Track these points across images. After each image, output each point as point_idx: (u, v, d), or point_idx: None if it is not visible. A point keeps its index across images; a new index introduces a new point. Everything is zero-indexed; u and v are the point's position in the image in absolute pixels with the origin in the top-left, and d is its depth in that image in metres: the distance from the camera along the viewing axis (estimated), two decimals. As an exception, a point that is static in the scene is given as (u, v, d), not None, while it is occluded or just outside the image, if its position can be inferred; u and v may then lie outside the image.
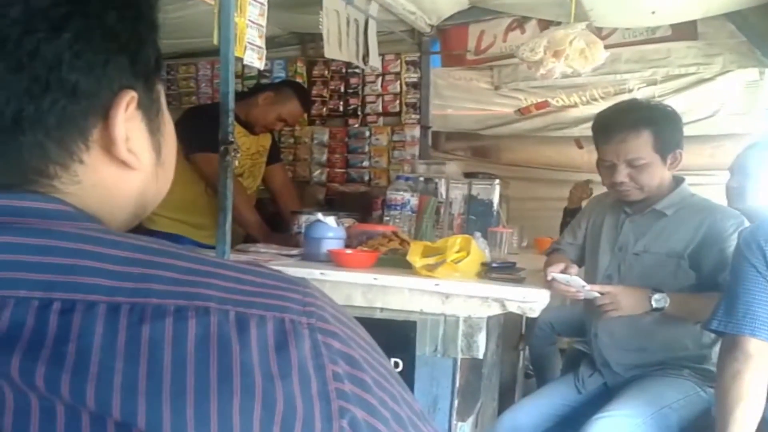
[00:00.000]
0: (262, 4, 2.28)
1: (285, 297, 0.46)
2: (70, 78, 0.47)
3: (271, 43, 3.56)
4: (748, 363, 1.51)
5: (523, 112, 4.29)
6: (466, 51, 4.33)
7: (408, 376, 1.88)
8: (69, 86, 0.47)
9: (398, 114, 4.52)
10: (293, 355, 0.44)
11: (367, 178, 4.57)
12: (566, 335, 3.10)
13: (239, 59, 2.19)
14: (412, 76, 4.45)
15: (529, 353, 3.25)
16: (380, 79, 4.51)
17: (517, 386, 3.18)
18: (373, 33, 3.61)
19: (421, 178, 3.06)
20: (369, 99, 4.58)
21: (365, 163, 4.58)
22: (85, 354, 0.40)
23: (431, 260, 2.01)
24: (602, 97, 4.08)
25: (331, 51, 3.18)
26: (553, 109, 4.23)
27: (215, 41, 2.07)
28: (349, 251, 2.20)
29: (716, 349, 1.82)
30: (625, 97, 3.86)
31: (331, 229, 2.27)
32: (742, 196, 2.23)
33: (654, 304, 1.92)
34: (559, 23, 3.11)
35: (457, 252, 2.02)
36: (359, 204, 3.58)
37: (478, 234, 2.46)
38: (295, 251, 2.42)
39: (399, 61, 4.46)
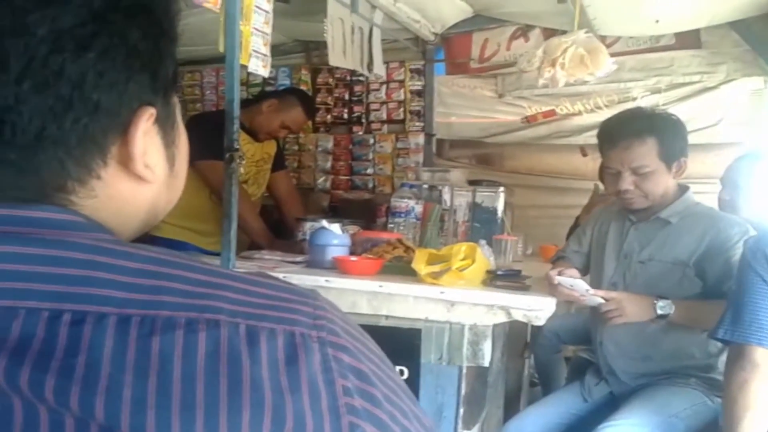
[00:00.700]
0: (267, 12, 2.29)
1: (295, 310, 0.46)
2: (92, 96, 0.47)
3: (276, 50, 3.57)
4: (756, 372, 1.50)
5: (529, 120, 4.30)
6: (470, 59, 4.35)
7: (413, 384, 1.88)
8: (91, 105, 0.47)
9: (402, 122, 4.53)
10: (303, 369, 0.43)
11: (371, 185, 4.58)
12: (572, 343, 3.10)
13: (244, 67, 2.19)
14: (416, 84, 4.46)
15: (534, 361, 3.25)
16: (384, 86, 4.52)
17: (522, 394, 3.17)
18: (377, 41, 3.62)
19: (426, 186, 3.06)
20: (373, 106, 4.60)
21: (369, 171, 4.59)
22: (94, 367, 0.40)
23: (436, 268, 2.01)
24: (606, 105, 4.08)
25: (335, 59, 3.19)
26: (558, 117, 4.24)
27: (220, 49, 2.08)
28: (353, 258, 2.20)
29: (723, 358, 1.81)
30: (629, 105, 3.87)
31: (335, 237, 2.27)
32: (733, 208, 2.23)
33: (659, 311, 1.92)
34: (564, 32, 3.12)
35: (462, 260, 2.02)
36: (363, 211, 3.58)
37: (482, 242, 2.46)
38: (299, 258, 2.42)
39: (403, 69, 4.47)
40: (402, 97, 4.51)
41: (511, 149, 4.37)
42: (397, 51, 4.33)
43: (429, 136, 4.44)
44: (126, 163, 0.51)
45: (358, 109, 4.63)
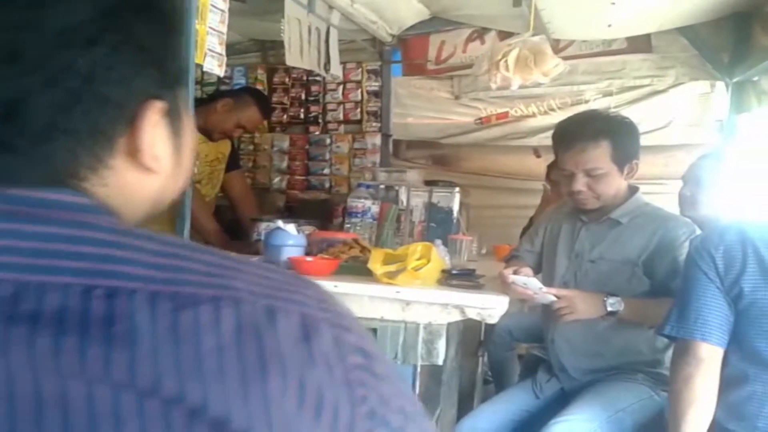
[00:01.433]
0: (222, 11, 2.27)
1: (304, 293, 0.49)
2: (102, 90, 0.49)
3: (232, 49, 3.54)
4: (700, 367, 1.54)
5: (483, 122, 4.34)
6: (427, 61, 4.38)
7: (368, 383, 1.88)
8: (100, 98, 0.49)
9: (359, 122, 4.53)
10: (317, 345, 0.46)
11: (327, 185, 4.57)
12: (524, 341, 3.14)
13: (199, 66, 2.17)
14: (374, 85, 4.47)
15: (488, 359, 3.28)
16: (341, 87, 4.52)
17: (476, 392, 3.21)
18: (334, 41, 3.62)
19: (382, 186, 3.07)
20: (330, 107, 4.59)
21: (326, 171, 4.57)
22: (132, 335, 0.42)
23: (392, 268, 2.01)
24: (560, 108, 4.15)
25: (292, 59, 3.18)
26: (512, 119, 4.30)
27: (175, 47, 2.06)
28: (309, 259, 2.20)
29: (669, 353, 1.86)
30: (582, 107, 3.94)
31: (291, 237, 2.26)
32: (694, 204, 2.29)
33: (609, 308, 1.96)
34: (518, 35, 3.16)
35: (418, 259, 2.03)
36: (320, 212, 3.57)
37: (438, 241, 2.48)
38: (254, 259, 2.40)
39: (360, 69, 4.48)
40: (359, 98, 4.52)
41: (466, 150, 4.41)
42: (355, 52, 4.34)
43: (386, 136, 4.46)
44: (134, 154, 0.52)
45: (314, 109, 4.62)
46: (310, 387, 0.44)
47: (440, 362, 1.93)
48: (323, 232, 2.72)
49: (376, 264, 2.00)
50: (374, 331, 1.93)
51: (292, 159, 4.63)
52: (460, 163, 4.42)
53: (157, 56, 0.53)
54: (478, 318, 1.90)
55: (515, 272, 2.04)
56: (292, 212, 4.03)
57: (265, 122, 4.48)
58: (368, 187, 3.05)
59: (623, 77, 4.09)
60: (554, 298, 2.00)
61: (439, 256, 2.17)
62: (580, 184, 2.04)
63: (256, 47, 4.63)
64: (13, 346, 0.41)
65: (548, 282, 2.20)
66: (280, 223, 2.32)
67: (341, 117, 4.57)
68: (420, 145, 4.54)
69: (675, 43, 3.95)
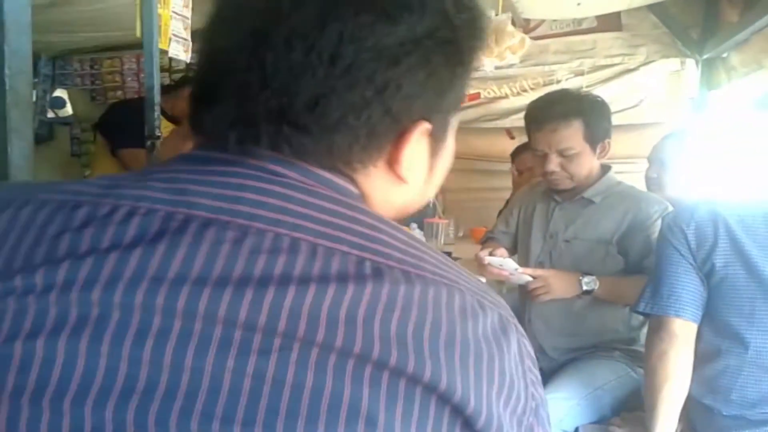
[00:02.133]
0: (187, -5, 2.23)
1: (497, 299, 0.58)
2: (388, 103, 0.56)
3: (198, 35, 3.48)
4: (673, 342, 1.55)
5: (455, 104, 4.33)
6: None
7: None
8: (385, 109, 0.56)
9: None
10: (510, 341, 0.55)
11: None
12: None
13: (164, 52, 2.13)
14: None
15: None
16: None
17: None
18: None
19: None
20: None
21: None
22: (391, 301, 0.51)
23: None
24: (532, 88, 4.16)
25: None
26: (485, 100, 4.29)
27: (137, 34, 2.01)
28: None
29: (645, 330, 1.87)
30: (554, 87, 3.95)
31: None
32: (660, 185, 2.30)
33: (584, 287, 1.97)
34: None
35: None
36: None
37: (414, 225, 2.48)
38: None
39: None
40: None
41: (440, 133, 4.40)
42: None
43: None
44: (392, 163, 0.60)
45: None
46: (508, 375, 0.54)
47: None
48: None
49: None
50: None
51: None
52: (433, 146, 4.41)
53: (441, 84, 0.60)
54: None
55: (490, 253, 2.03)
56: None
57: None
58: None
59: (594, 56, 4.10)
60: (530, 279, 2.00)
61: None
62: (553, 164, 2.04)
63: (224, 33, 4.56)
64: (311, 298, 0.49)
65: (524, 262, 2.21)
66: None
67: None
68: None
69: (645, 21, 3.97)
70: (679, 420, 1.58)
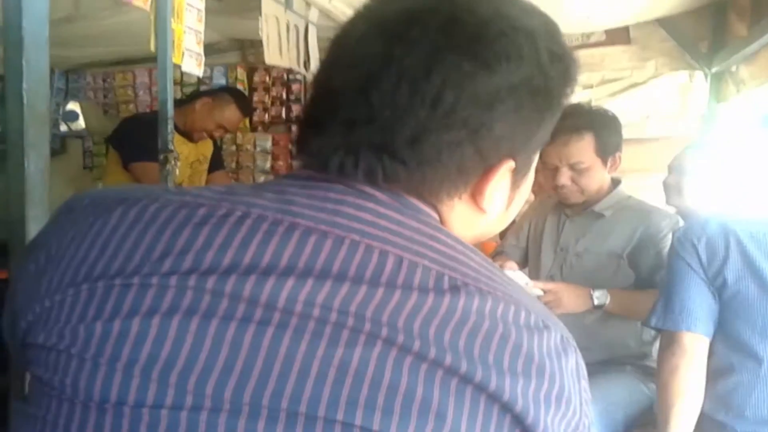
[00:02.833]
0: (199, 9, 2.25)
1: (557, 320, 0.62)
2: (478, 144, 0.61)
3: (211, 49, 3.51)
4: (686, 357, 1.55)
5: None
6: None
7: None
8: (475, 149, 0.61)
9: (342, 120, 4.50)
10: (569, 359, 0.59)
11: (311, 184, 4.54)
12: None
13: (177, 66, 2.15)
14: (355, 82, 4.45)
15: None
16: (322, 85, 4.49)
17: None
18: (313, 39, 3.59)
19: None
20: (311, 105, 4.56)
21: (309, 170, 4.54)
22: (465, 314, 0.55)
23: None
24: (541, 102, 4.16)
25: (271, 57, 3.15)
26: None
27: (152, 48, 2.03)
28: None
29: (656, 345, 1.87)
30: (563, 101, 3.95)
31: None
32: (678, 193, 2.29)
33: (595, 301, 1.97)
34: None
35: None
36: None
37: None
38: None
39: (340, 67, 4.45)
40: (341, 96, 4.49)
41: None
42: (334, 49, 4.31)
43: (368, 134, 4.43)
44: (476, 195, 0.65)
45: (296, 108, 4.58)
46: (567, 390, 0.58)
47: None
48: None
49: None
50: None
51: (276, 159, 4.59)
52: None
53: (530, 127, 0.65)
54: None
55: (501, 267, 2.03)
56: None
57: (247, 122, 4.45)
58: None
59: (602, 70, 4.09)
60: (541, 292, 2.00)
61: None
62: (564, 178, 2.05)
63: (235, 46, 4.59)
64: (395, 302, 0.55)
65: (534, 276, 2.21)
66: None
67: (323, 115, 4.54)
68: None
69: (653, 35, 3.97)
70: (692, 436, 1.58)
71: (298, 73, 3.88)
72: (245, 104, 3.41)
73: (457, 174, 0.63)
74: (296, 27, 3.37)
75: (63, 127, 4.92)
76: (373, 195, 0.61)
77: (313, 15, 3.56)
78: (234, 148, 4.64)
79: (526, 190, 0.73)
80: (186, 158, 3.08)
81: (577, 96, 3.98)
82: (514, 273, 1.99)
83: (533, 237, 2.34)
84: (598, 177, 2.06)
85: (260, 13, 2.97)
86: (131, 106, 4.78)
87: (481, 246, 3.40)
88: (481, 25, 0.60)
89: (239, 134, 4.56)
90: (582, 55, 4.06)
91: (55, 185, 1.32)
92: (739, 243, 1.52)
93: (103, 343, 0.54)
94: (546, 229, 2.25)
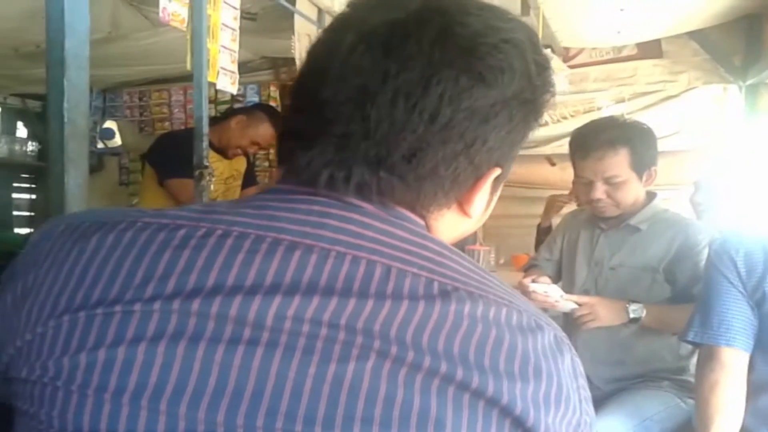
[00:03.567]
0: (234, 29, 2.29)
1: (551, 320, 0.62)
2: (472, 155, 0.62)
3: (244, 67, 3.56)
4: (725, 372, 1.52)
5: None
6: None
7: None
8: (469, 160, 0.63)
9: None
10: (565, 358, 0.60)
11: (343, 200, 4.56)
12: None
13: (212, 84, 2.19)
14: (386, 98, 4.47)
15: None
16: (354, 101, 4.52)
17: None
18: (345, 56, 3.63)
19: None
20: (343, 122, 4.58)
21: (343, 186, 4.57)
22: (457, 317, 0.55)
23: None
24: (572, 116, 4.14)
25: (303, 75, 3.19)
26: (525, 128, 4.28)
27: (188, 67, 2.07)
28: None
29: (694, 360, 1.84)
30: (595, 115, 3.93)
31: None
32: (706, 210, 2.27)
33: (631, 315, 1.95)
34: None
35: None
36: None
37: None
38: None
39: (371, 83, 4.47)
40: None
41: (480, 160, 4.40)
42: (365, 66, 4.34)
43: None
44: (463, 204, 0.66)
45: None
46: (565, 388, 0.58)
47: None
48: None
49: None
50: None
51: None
52: (474, 173, 4.41)
53: (518, 136, 0.66)
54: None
55: (535, 281, 2.02)
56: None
57: (279, 138, 4.48)
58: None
59: (635, 83, 4.07)
60: (575, 306, 1.98)
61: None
62: (599, 192, 2.03)
63: (268, 65, 4.66)
64: (385, 312, 0.54)
65: (568, 290, 2.19)
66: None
67: (356, 131, 4.56)
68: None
69: (686, 48, 3.94)
70: (733, 453, 1.55)
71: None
72: (278, 121, 3.44)
73: (450, 186, 0.63)
74: (328, 44, 3.40)
75: (100, 145, 5.02)
76: (360, 206, 0.61)
77: (345, 33, 3.59)
78: (267, 164, 4.69)
79: (499, 190, 0.73)
80: (220, 175, 3.12)
81: (609, 110, 3.96)
82: (548, 287, 1.97)
83: (567, 250, 2.32)
84: (633, 191, 2.04)
85: (293, 32, 3.01)
86: (166, 124, 4.87)
87: (511, 259, 3.38)
88: (474, 38, 0.60)
89: (272, 150, 4.61)
90: (613, 68, 4.07)
91: (92, 201, 1.35)
92: (778, 256, 1.50)
93: (89, 374, 0.53)
94: (580, 243, 2.23)
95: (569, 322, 2.12)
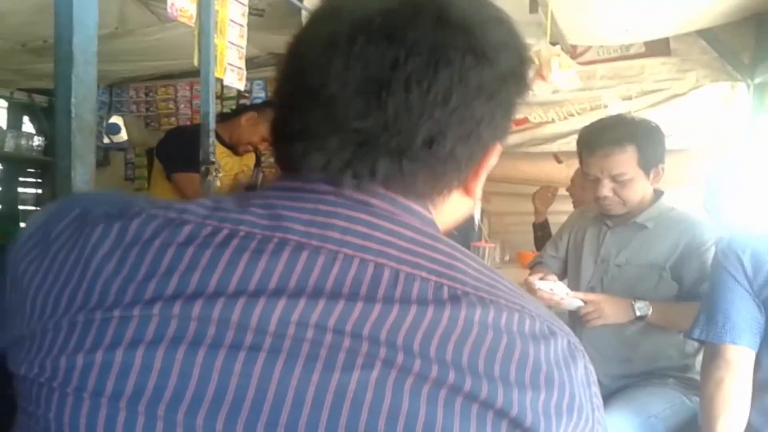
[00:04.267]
0: (241, 25, 2.29)
1: (565, 326, 0.62)
2: (482, 131, 0.63)
3: (250, 63, 3.55)
4: (731, 370, 1.52)
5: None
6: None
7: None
8: (479, 137, 0.63)
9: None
10: (578, 366, 0.59)
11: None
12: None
13: (219, 80, 2.19)
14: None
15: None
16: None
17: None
18: (351, 52, 3.62)
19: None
20: (350, 118, 4.59)
21: (348, 182, 4.57)
22: (468, 323, 0.54)
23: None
24: (579, 113, 4.13)
25: (310, 71, 3.18)
26: (531, 125, 4.28)
27: (195, 63, 2.08)
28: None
29: (700, 358, 1.84)
30: (602, 113, 3.92)
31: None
32: (711, 211, 2.25)
33: (637, 312, 1.94)
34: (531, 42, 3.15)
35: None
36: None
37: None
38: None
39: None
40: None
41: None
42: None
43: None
44: (468, 182, 0.67)
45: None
46: (577, 397, 0.57)
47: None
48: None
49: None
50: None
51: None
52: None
53: (512, 111, 0.67)
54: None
55: (540, 279, 2.02)
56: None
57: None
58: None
59: (642, 81, 4.06)
60: (581, 303, 1.98)
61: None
62: (606, 189, 2.03)
63: (274, 61, 4.65)
64: (393, 317, 0.53)
65: (574, 287, 2.19)
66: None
67: (361, 128, 4.56)
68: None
69: (694, 46, 3.92)
70: (738, 451, 1.54)
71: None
72: None
73: (465, 165, 0.64)
74: (334, 41, 3.40)
75: (106, 140, 5.04)
76: (367, 203, 0.60)
77: (352, 29, 3.59)
78: (273, 160, 4.69)
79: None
80: (230, 170, 3.13)
81: (616, 108, 3.95)
82: (554, 284, 1.97)
83: (573, 248, 2.32)
84: (640, 189, 2.04)
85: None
86: (172, 119, 4.88)
87: (516, 256, 3.37)
88: (470, 18, 0.61)
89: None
90: (621, 66, 4.05)
91: (99, 196, 1.35)
92: (786, 254, 1.49)
93: (85, 376, 0.52)
94: (586, 240, 2.22)
95: (575, 320, 2.12)
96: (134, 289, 0.54)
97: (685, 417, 1.93)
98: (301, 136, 0.62)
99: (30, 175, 5.42)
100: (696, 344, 1.93)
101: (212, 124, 2.11)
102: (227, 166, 3.06)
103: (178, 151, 2.79)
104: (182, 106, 4.87)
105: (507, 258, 3.44)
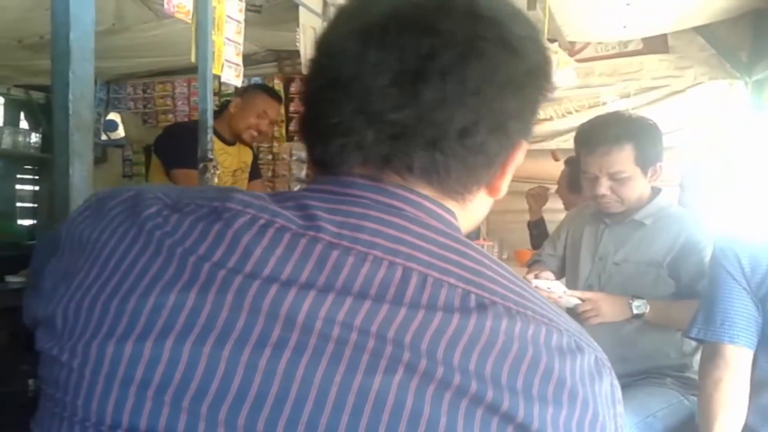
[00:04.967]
0: (239, 21, 2.29)
1: (593, 341, 0.60)
2: (509, 125, 0.62)
3: (248, 60, 3.56)
4: (729, 370, 1.52)
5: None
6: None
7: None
8: (507, 130, 0.63)
9: (376, 129, 4.52)
10: (603, 383, 0.57)
11: (347, 194, 4.56)
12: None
13: (217, 77, 2.19)
14: (390, 92, 4.46)
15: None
16: (358, 94, 4.51)
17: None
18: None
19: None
20: (347, 115, 4.58)
21: (345, 179, 4.57)
22: (493, 334, 0.53)
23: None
24: (577, 110, 4.13)
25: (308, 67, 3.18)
26: (530, 122, 4.27)
27: (193, 59, 2.07)
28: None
29: (698, 357, 1.83)
30: (600, 110, 3.91)
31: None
32: (690, 208, 2.26)
33: (635, 310, 1.94)
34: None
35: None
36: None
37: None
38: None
39: (376, 77, 4.47)
40: (375, 105, 4.50)
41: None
42: (370, 59, 4.33)
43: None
44: (494, 180, 0.67)
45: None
46: (601, 416, 0.56)
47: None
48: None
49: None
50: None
51: (311, 168, 4.62)
52: (477, 168, 4.41)
53: (537, 107, 0.67)
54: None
55: (537, 276, 2.02)
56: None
57: (283, 131, 4.49)
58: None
59: (640, 78, 4.06)
60: (579, 301, 1.98)
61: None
62: (604, 187, 2.02)
63: (272, 57, 4.65)
64: (418, 322, 0.53)
65: (572, 285, 2.19)
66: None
67: (358, 125, 4.56)
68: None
69: (692, 43, 3.93)
70: (736, 450, 1.55)
71: (334, 83, 3.90)
72: (273, 91, 3.44)
73: (495, 160, 0.64)
74: (333, 37, 3.39)
75: (103, 137, 5.02)
76: (399, 207, 0.60)
77: (349, 25, 3.58)
78: (270, 157, 4.69)
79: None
80: (229, 167, 3.13)
81: (614, 105, 3.94)
82: (551, 282, 1.97)
83: (571, 246, 2.32)
84: (638, 187, 2.03)
85: (297, 25, 3.01)
86: (170, 116, 4.87)
87: (514, 254, 3.38)
88: (498, 11, 0.62)
89: (275, 143, 4.61)
90: (619, 63, 4.05)
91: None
92: (784, 253, 1.49)
93: (116, 364, 0.52)
94: (584, 238, 2.22)
95: (572, 318, 2.12)
96: (172, 273, 0.55)
97: (682, 416, 1.93)
98: (336, 132, 0.61)
99: (27, 171, 5.40)
100: (694, 343, 1.93)
101: (210, 121, 2.11)
102: (225, 162, 3.06)
103: (176, 147, 2.79)
104: (180, 102, 4.86)
105: (505, 256, 3.44)
